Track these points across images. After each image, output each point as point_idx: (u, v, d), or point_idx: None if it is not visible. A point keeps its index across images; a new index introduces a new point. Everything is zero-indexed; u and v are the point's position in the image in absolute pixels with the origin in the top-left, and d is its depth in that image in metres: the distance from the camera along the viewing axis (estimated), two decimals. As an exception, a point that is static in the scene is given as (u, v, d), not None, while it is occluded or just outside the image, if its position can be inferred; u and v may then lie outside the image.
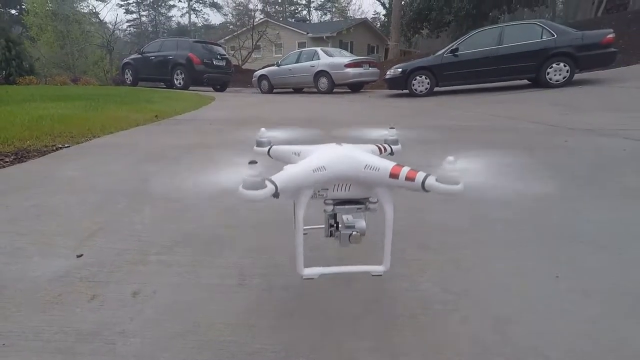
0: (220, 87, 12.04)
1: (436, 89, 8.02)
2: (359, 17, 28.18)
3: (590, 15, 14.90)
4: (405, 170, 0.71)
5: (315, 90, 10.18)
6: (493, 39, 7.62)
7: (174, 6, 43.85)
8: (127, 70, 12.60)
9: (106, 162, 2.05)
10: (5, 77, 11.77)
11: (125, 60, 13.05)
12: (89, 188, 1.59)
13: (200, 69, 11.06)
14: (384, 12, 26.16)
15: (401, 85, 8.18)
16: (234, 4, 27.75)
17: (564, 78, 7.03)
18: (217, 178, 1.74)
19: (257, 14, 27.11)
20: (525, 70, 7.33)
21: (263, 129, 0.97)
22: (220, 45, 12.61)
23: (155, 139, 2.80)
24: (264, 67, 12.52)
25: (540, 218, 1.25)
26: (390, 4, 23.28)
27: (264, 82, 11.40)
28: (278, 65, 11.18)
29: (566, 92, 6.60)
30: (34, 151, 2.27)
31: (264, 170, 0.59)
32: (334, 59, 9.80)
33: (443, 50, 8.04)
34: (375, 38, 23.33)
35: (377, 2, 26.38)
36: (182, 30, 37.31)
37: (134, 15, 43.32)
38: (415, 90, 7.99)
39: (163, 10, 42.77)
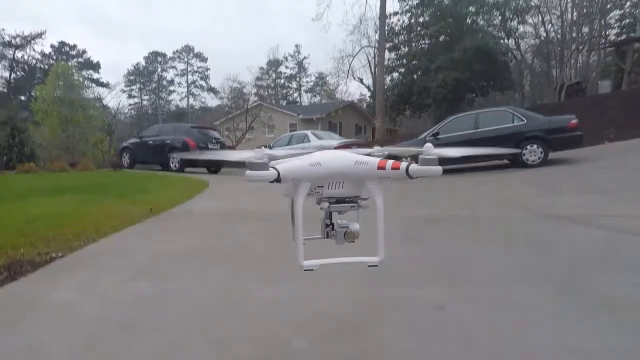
0: (215, 169, 12.46)
1: (421, 169, 8.44)
2: (346, 99, 30.59)
3: (554, 98, 16.51)
4: (390, 162, 0.84)
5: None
6: (470, 124, 8.29)
7: (173, 91, 47.27)
8: (124, 154, 13.08)
9: (99, 279, 2.08)
10: (6, 163, 12.07)
11: (124, 144, 13.62)
12: (80, 316, 1.60)
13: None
14: (369, 93, 28.58)
15: (388, 166, 8.60)
16: (230, 89, 30.16)
17: (539, 158, 7.53)
18: (208, 298, 1.76)
19: (251, 97, 29.33)
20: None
21: (263, 147, 1.09)
22: (215, 130, 13.37)
23: (149, 243, 2.85)
24: (257, 147, 13.14)
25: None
26: (374, 87, 25.54)
27: (257, 164, 11.86)
28: (270, 148, 11.76)
29: (543, 172, 7.01)
30: (27, 263, 2.29)
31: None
32: (323, 141, 10.42)
33: (425, 134, 8.65)
34: (362, 118, 25.11)
35: (362, 85, 28.88)
36: (180, 113, 39.79)
37: (136, 100, 46.44)
38: (402, 171, 8.39)
39: (163, 95, 46.10)
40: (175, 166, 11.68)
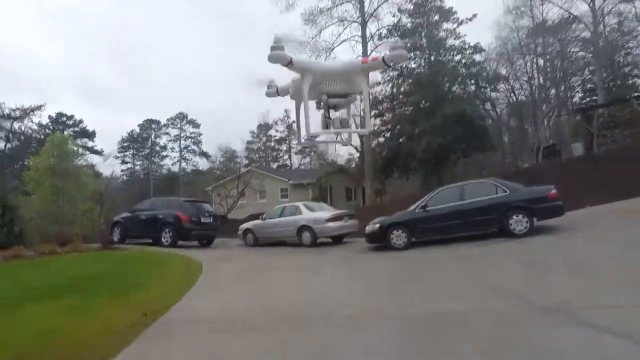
0: (207, 241, 12.39)
1: (414, 239, 8.57)
2: (335, 159, 31.54)
3: (532, 158, 17.40)
4: (370, 57, 1.52)
5: (299, 242, 10.61)
6: (456, 195, 8.60)
7: (166, 156, 48.16)
8: (115, 228, 13.01)
9: None
10: (-7, 242, 11.78)
11: (116, 219, 13.59)
12: None
13: (188, 227, 11.58)
14: (357, 154, 29.59)
15: (380, 239, 8.72)
16: (222, 152, 30.96)
17: (525, 228, 7.74)
18: None
19: (243, 160, 30.14)
20: (490, 222, 8.08)
21: (272, 79, 1.67)
22: (207, 203, 13.54)
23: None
24: (249, 217, 13.22)
25: None
26: (362, 148, 26.56)
27: (249, 236, 11.87)
28: (263, 219, 11.87)
29: (530, 243, 7.17)
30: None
31: None
32: (315, 214, 10.56)
33: (415, 206, 8.89)
34: (352, 181, 25.71)
35: (350, 145, 29.95)
36: (172, 176, 40.19)
37: (129, 165, 46.97)
38: (394, 244, 8.48)
39: (156, 160, 46.84)
40: (166, 241, 11.59)
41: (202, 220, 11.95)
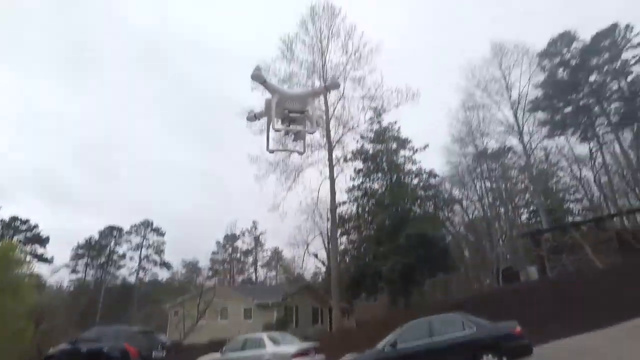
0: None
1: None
2: (301, 271, 30.77)
3: (493, 278, 17.98)
4: (316, 85, 3.22)
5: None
6: (424, 330, 8.49)
7: (123, 266, 44.46)
8: (47, 365, 11.30)
9: None
10: None
11: (51, 352, 11.90)
12: None
13: (136, 363, 10.25)
14: (324, 268, 29.15)
15: (351, 383, 8.14)
16: (184, 264, 29.50)
17: (490, 373, 7.55)
18: None
19: (207, 272, 28.64)
20: (460, 364, 7.87)
21: (251, 109, 4.19)
22: (163, 334, 12.40)
23: None
24: (208, 343, 11.98)
25: None
26: (328, 262, 26.30)
27: (207, 373, 10.63)
28: (222, 353, 10.85)
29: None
30: None
31: None
32: (280, 348, 9.84)
33: (383, 343, 8.60)
34: (318, 300, 24.63)
35: (317, 259, 29.72)
36: (127, 288, 36.57)
37: (79, 275, 42.66)
38: (365, 389, 7.92)
39: (111, 270, 43.04)
40: (108, 382, 10.07)
41: (153, 354, 10.70)
